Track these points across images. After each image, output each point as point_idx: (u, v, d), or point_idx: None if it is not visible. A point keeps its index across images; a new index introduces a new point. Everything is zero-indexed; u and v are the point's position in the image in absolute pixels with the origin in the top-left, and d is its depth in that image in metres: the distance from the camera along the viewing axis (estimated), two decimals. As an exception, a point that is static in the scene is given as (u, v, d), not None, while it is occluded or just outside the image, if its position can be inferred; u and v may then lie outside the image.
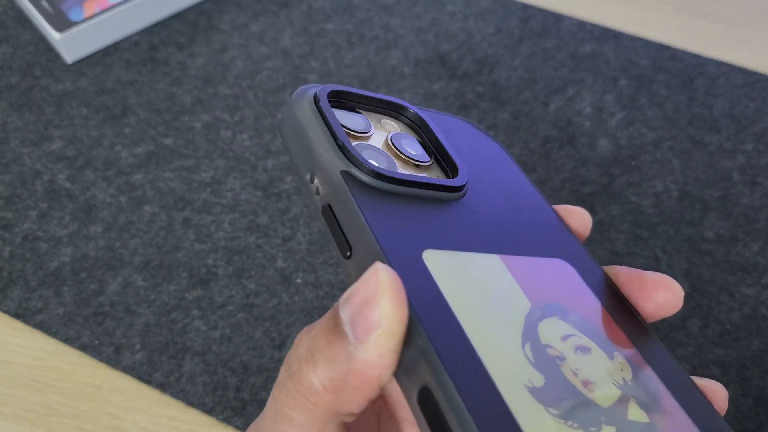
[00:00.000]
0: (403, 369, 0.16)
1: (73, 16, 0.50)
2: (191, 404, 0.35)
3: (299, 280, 0.39)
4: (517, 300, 0.18)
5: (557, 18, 0.56)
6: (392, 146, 0.21)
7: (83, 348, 0.36)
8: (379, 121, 0.22)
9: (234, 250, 0.40)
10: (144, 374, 0.36)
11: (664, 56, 0.54)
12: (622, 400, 0.17)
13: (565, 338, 0.18)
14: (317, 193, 0.19)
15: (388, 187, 0.19)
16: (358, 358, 0.16)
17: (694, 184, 0.46)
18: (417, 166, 0.21)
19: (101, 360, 0.36)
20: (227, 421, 0.34)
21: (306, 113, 0.20)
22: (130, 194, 0.43)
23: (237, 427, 0.34)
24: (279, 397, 0.18)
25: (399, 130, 0.23)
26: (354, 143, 0.20)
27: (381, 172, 0.19)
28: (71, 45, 0.49)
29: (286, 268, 0.40)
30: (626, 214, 0.44)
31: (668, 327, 0.39)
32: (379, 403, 0.23)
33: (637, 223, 0.43)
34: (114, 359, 0.36)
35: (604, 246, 0.42)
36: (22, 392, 0.35)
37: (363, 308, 0.16)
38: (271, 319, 0.38)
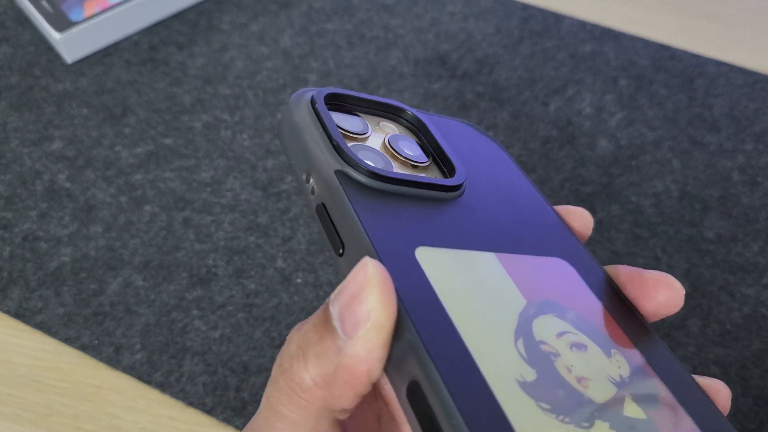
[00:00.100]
0: (392, 363, 0.16)
1: (73, 16, 0.50)
2: (191, 404, 0.35)
3: (299, 280, 0.39)
4: (512, 297, 0.18)
5: (557, 18, 0.56)
6: (390, 147, 0.21)
7: (83, 348, 0.36)
8: (378, 124, 0.22)
9: (234, 250, 0.40)
10: (144, 374, 0.36)
11: (664, 56, 0.54)
12: (618, 397, 0.17)
13: (560, 335, 0.17)
14: (312, 192, 0.19)
15: (382, 187, 0.19)
16: (347, 353, 0.16)
17: (694, 184, 0.46)
18: (414, 166, 0.21)
19: (101, 360, 0.36)
20: (227, 421, 0.34)
21: (303, 115, 0.20)
22: (130, 194, 0.43)
23: (237, 427, 0.34)
24: (272, 395, 0.18)
25: (397, 132, 0.23)
26: (350, 144, 0.20)
27: (375, 171, 0.19)
28: (71, 45, 0.49)
29: (286, 268, 0.40)
30: (626, 214, 0.44)
31: (668, 327, 0.39)
32: (380, 405, 0.23)
33: (637, 223, 0.43)
34: (114, 359, 0.36)
35: (604, 246, 0.42)
36: (22, 392, 0.35)
37: (351, 303, 0.16)
38: (271, 319, 0.38)
